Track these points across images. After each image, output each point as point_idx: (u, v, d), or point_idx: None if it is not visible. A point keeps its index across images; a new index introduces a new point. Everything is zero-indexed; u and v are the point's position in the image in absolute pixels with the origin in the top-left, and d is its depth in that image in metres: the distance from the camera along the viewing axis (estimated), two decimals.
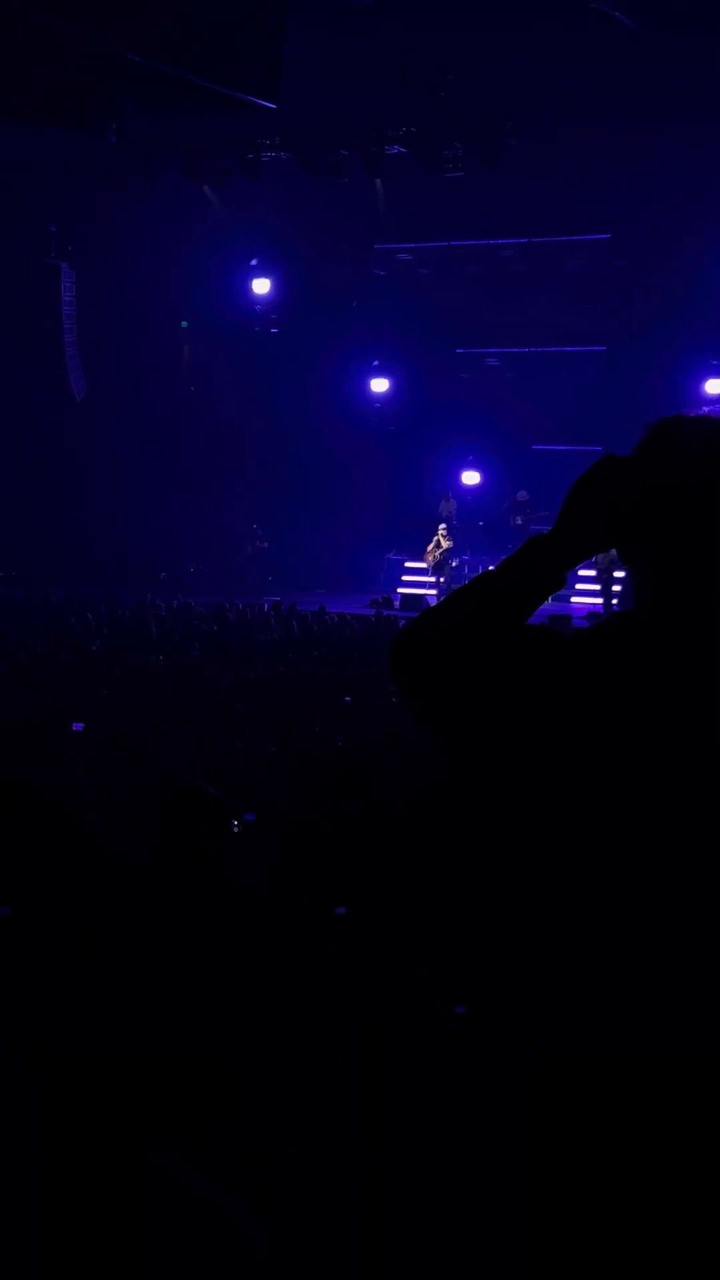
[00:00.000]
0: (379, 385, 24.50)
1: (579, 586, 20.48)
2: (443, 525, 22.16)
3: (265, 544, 24.30)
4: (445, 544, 22.09)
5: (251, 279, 24.66)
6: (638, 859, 2.15)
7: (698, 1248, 2.11)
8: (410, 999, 2.95)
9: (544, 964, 2.23)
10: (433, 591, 22.23)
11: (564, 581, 2.26)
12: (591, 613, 18.95)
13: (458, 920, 3.30)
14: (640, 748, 2.16)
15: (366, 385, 24.53)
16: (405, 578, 23.61)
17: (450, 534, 22.19)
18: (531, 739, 2.20)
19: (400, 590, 22.69)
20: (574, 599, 19.91)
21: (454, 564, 22.46)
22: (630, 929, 2.15)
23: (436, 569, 22.34)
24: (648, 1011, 2.13)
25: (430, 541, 22.27)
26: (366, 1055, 2.73)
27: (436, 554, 22.17)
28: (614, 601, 19.56)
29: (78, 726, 8.74)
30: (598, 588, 19.98)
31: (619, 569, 19.58)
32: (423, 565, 22.84)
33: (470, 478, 23.92)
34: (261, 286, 24.66)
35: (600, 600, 19.84)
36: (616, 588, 19.78)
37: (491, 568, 2.29)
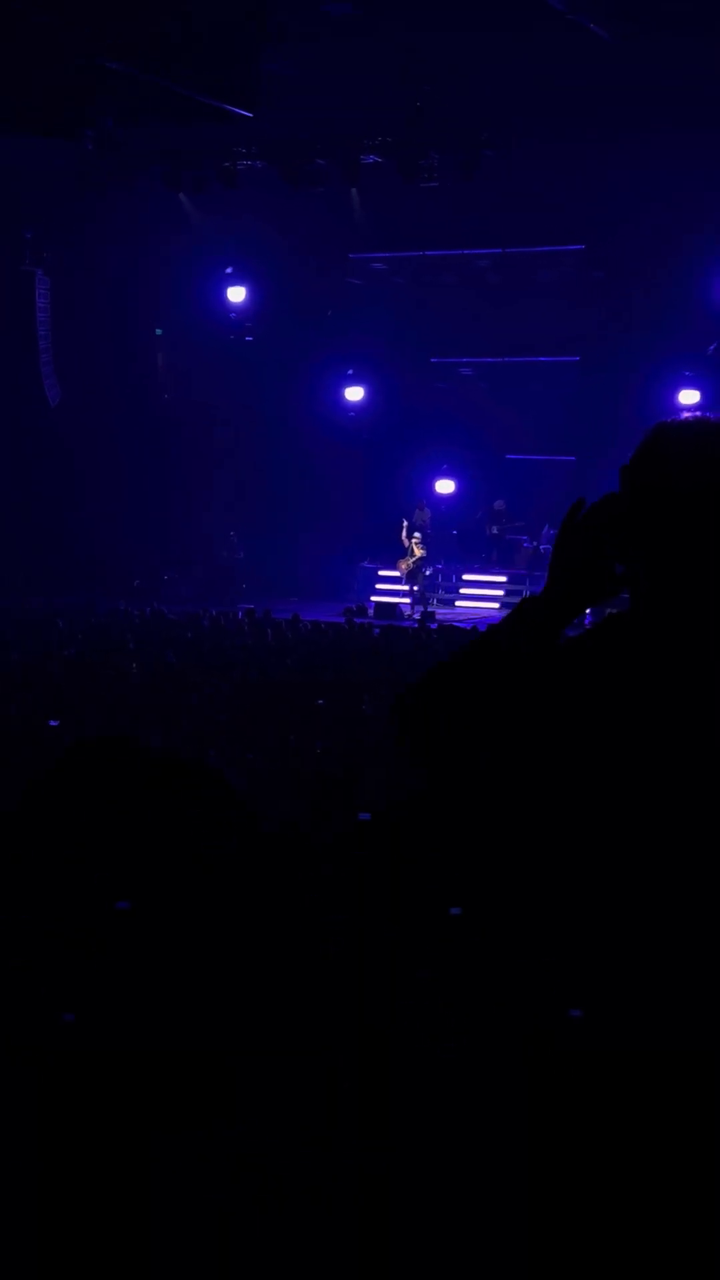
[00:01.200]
0: (354, 394, 24.45)
1: None
2: (416, 534, 22.18)
3: (241, 554, 24.25)
4: (419, 552, 22.12)
5: (226, 287, 24.64)
6: (639, 858, 2.17)
7: (698, 1247, 2.13)
8: (411, 999, 2.97)
9: (545, 964, 2.25)
10: (406, 600, 22.27)
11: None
12: None
13: (459, 919, 3.32)
14: (638, 750, 2.18)
15: (341, 394, 24.50)
16: (379, 586, 23.63)
17: (424, 543, 22.22)
18: (534, 742, 2.22)
19: (374, 599, 22.71)
20: None
21: (427, 573, 22.52)
22: (631, 929, 2.17)
23: (410, 577, 22.38)
24: (648, 1011, 2.15)
25: (400, 544, 22.29)
26: (367, 1055, 2.75)
27: (410, 562, 22.21)
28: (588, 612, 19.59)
29: (54, 723, 8.74)
30: None
31: None
32: (396, 574, 22.88)
33: (444, 487, 23.95)
34: (236, 294, 24.59)
35: None
36: None
37: (484, 628, 2.31)
